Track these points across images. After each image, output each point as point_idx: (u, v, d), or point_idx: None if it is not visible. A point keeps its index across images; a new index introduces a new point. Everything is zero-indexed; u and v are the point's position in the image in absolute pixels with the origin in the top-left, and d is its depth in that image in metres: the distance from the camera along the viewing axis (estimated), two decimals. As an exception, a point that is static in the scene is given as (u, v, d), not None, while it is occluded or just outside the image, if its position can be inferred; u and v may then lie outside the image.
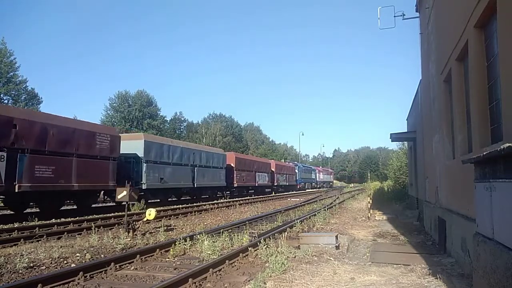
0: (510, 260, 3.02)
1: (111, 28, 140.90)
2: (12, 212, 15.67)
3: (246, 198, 29.89)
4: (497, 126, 4.74)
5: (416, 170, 16.29)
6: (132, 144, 20.10)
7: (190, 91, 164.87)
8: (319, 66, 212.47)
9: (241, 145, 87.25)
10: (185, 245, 8.29)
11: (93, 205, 18.49)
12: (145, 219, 11.37)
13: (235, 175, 32.39)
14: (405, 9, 21.50)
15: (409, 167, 22.49)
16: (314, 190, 59.08)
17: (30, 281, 5.40)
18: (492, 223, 3.58)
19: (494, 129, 4.89)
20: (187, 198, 27.28)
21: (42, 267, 6.81)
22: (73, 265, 6.93)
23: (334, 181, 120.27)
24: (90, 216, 14.58)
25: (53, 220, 13.25)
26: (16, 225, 12.14)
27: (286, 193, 41.98)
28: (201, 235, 8.82)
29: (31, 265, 6.84)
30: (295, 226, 11.57)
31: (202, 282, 5.84)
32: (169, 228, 12.25)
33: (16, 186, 13.12)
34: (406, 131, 19.50)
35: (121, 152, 18.87)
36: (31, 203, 17.13)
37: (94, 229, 10.79)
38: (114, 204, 19.47)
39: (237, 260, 7.25)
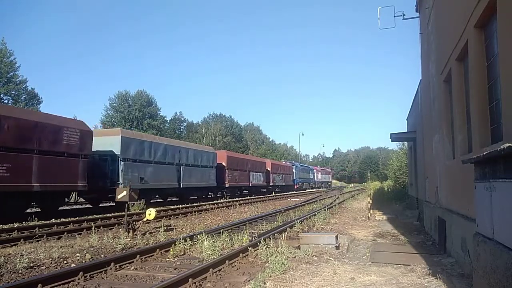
0: (510, 260, 3.02)
1: (111, 28, 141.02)
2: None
3: (246, 198, 29.84)
4: (497, 126, 4.74)
5: (416, 170, 16.29)
6: (108, 141, 18.45)
7: (190, 91, 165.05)
8: (319, 66, 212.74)
9: (241, 145, 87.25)
10: (185, 245, 8.29)
11: (61, 208, 17.14)
12: (145, 219, 11.37)
13: (226, 174, 30.77)
14: (405, 9, 21.52)
15: (409, 167, 22.49)
16: (314, 190, 58.93)
17: (30, 281, 5.40)
18: (492, 223, 3.58)
19: (494, 129, 4.89)
20: (174, 199, 25.87)
21: (42, 267, 6.81)
22: (73, 265, 6.93)
23: (334, 181, 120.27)
24: (90, 216, 14.57)
25: (53, 220, 13.25)
26: (16, 225, 12.14)
27: (286, 193, 41.96)
28: (201, 235, 8.82)
29: (31, 265, 6.84)
30: (295, 226, 11.57)
31: (202, 282, 5.84)
32: (169, 228, 12.25)
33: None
34: (406, 131, 19.50)
35: (96, 150, 17.55)
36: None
37: (94, 229, 10.79)
38: (114, 204, 19.33)
39: (237, 260, 7.25)
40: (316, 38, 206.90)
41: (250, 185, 36.43)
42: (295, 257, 7.43)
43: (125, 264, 6.99)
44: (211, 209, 19.92)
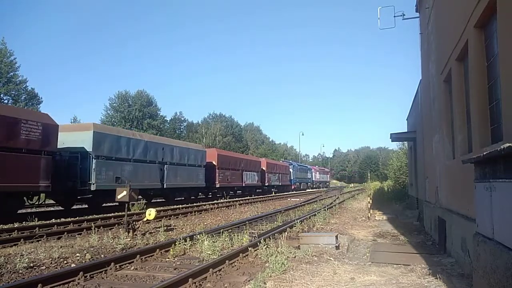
0: (510, 260, 3.02)
1: (111, 28, 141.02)
2: None
3: (246, 198, 29.79)
4: (497, 126, 4.74)
5: (416, 170, 16.29)
6: (79, 136, 16.79)
7: (190, 91, 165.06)
8: (319, 66, 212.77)
9: (241, 145, 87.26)
10: (185, 245, 8.29)
11: (21, 211, 15.81)
12: (145, 219, 11.37)
13: (217, 174, 28.96)
14: (405, 9, 21.51)
15: (409, 167, 22.49)
16: (314, 190, 58.78)
17: (30, 281, 5.40)
18: (492, 223, 3.58)
19: (494, 129, 4.89)
20: (160, 200, 24.16)
21: (42, 267, 6.81)
22: (73, 265, 6.93)
23: (334, 181, 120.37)
24: (90, 216, 14.56)
25: (53, 220, 13.24)
26: (16, 225, 12.14)
27: (286, 193, 41.96)
28: (201, 235, 8.83)
29: (31, 265, 6.84)
30: (295, 226, 11.57)
31: (202, 282, 5.85)
32: (169, 228, 12.25)
33: None
34: (406, 131, 19.50)
35: (65, 146, 16.30)
36: None
37: (94, 229, 10.79)
38: (114, 204, 19.27)
39: (237, 260, 7.25)
40: (316, 38, 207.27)
41: (244, 185, 34.77)
42: (295, 257, 7.43)
43: (125, 264, 6.99)
44: (211, 209, 19.92)
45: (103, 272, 6.38)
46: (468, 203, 5.69)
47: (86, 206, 18.35)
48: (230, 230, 10.99)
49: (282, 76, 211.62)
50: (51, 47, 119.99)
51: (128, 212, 11.44)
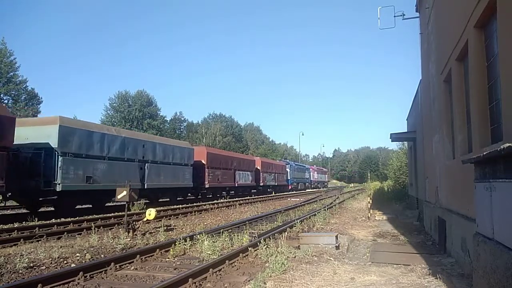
0: (510, 260, 3.02)
1: (111, 28, 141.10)
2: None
3: (246, 198, 29.76)
4: (497, 126, 4.74)
5: (416, 170, 16.29)
6: (43, 131, 15.15)
7: (190, 91, 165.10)
8: (319, 66, 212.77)
9: (241, 145, 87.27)
10: (185, 245, 8.29)
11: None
12: (145, 219, 11.38)
13: (206, 173, 27.07)
14: (405, 9, 21.52)
15: (409, 167, 22.49)
16: (314, 190, 58.59)
17: (30, 281, 5.40)
18: (492, 223, 3.58)
19: (494, 129, 4.89)
20: (144, 201, 21.80)
21: (42, 267, 6.81)
22: (73, 265, 6.94)
23: (334, 181, 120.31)
24: (90, 216, 14.56)
25: (53, 220, 13.25)
26: (16, 225, 12.15)
27: (286, 193, 41.96)
28: (201, 235, 8.83)
29: (31, 265, 6.84)
30: (295, 226, 11.57)
31: (202, 282, 5.85)
32: (169, 228, 12.25)
33: None
34: (406, 131, 19.50)
35: (29, 141, 14.80)
36: None
37: (94, 229, 10.79)
38: (114, 204, 19.28)
39: (237, 260, 7.25)
40: (316, 38, 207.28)
41: (236, 185, 32.90)
42: (295, 257, 7.43)
43: (125, 264, 6.99)
44: (211, 209, 19.93)
45: (103, 272, 6.38)
46: (468, 203, 5.69)
47: (53, 209, 16.62)
48: (230, 230, 10.99)
49: (282, 76, 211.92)
50: (51, 47, 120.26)
51: (128, 212, 11.44)
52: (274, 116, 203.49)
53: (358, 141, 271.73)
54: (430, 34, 10.00)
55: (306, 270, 6.33)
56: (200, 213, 18.07)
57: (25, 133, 14.78)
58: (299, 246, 8.34)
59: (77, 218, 13.91)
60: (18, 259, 7.03)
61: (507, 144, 2.97)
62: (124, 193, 10.75)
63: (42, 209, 16.29)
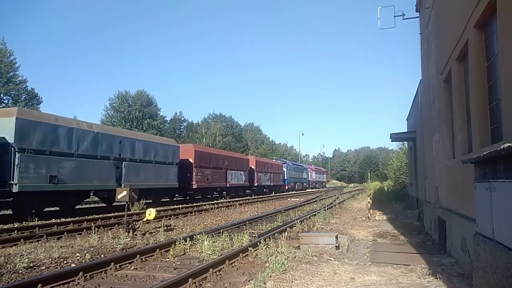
0: (510, 260, 3.02)
1: (111, 28, 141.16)
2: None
3: (246, 198, 29.75)
4: (497, 126, 4.74)
5: (416, 170, 16.29)
6: None
7: (190, 91, 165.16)
8: (319, 66, 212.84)
9: (241, 145, 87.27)
10: (185, 245, 8.29)
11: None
12: (145, 219, 11.38)
13: (194, 173, 25.42)
14: (405, 9, 21.50)
15: (409, 167, 22.49)
16: (314, 190, 58.43)
17: (30, 281, 5.40)
18: (492, 223, 3.58)
19: (494, 129, 4.89)
20: (123, 203, 20.82)
21: (42, 267, 6.81)
22: (73, 265, 6.94)
23: (334, 181, 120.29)
24: (90, 216, 14.57)
25: (53, 220, 13.25)
26: (16, 225, 12.15)
27: (286, 193, 41.96)
28: (201, 235, 8.83)
29: (31, 265, 6.85)
30: (295, 226, 11.57)
31: (202, 282, 5.85)
32: (169, 228, 12.25)
33: None
34: (406, 131, 19.50)
35: None
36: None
37: (94, 229, 10.79)
38: (115, 204, 19.21)
39: (237, 260, 7.25)
40: (316, 38, 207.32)
41: (228, 185, 31.23)
42: (295, 257, 7.43)
43: (125, 264, 6.99)
44: (211, 209, 19.92)
45: (103, 272, 6.38)
46: (468, 203, 5.69)
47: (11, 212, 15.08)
48: (230, 230, 10.99)
49: (282, 76, 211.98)
50: (51, 47, 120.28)
51: (128, 212, 11.44)
52: (274, 116, 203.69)
53: (358, 141, 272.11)
54: (430, 34, 10.00)
55: (306, 270, 6.33)
56: (200, 213, 18.08)
57: None
58: (299, 246, 8.34)
59: (77, 218, 13.92)
60: (18, 259, 7.03)
61: (507, 144, 2.97)
62: (124, 193, 10.76)
63: (46, 209, 15.86)
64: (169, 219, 15.23)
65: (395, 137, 18.93)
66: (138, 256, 7.36)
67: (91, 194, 18.40)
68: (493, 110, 4.93)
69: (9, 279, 6.06)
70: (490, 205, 3.63)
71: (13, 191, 13.21)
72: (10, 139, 13.34)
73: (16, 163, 13.38)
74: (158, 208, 15.66)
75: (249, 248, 7.93)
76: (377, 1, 13.15)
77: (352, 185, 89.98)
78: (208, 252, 7.75)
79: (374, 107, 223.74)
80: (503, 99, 4.06)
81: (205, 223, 13.87)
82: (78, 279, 5.87)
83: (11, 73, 48.80)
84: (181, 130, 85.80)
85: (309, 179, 64.58)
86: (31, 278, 5.79)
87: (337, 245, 8.30)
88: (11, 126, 13.39)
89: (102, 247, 8.69)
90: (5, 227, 11.50)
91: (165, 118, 78.38)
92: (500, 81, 4.18)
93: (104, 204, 20.01)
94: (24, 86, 50.40)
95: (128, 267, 6.92)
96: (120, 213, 15.47)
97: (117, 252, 8.27)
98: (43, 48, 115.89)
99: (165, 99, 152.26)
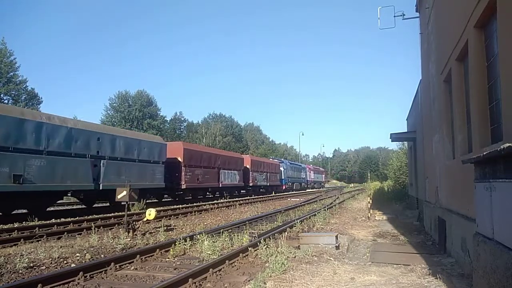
0: (510, 260, 3.02)
1: (111, 28, 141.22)
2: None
3: (246, 198, 29.74)
4: (497, 126, 4.74)
5: (416, 170, 16.29)
6: None
7: (190, 91, 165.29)
8: (319, 66, 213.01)
9: (241, 145, 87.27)
10: (185, 245, 8.29)
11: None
12: (145, 219, 11.38)
13: (183, 172, 23.97)
14: (405, 9, 21.50)
15: (409, 167, 22.49)
16: (314, 190, 58.34)
17: (30, 281, 5.40)
18: (492, 223, 3.58)
19: (494, 129, 4.89)
20: (103, 205, 19.90)
21: (42, 267, 6.81)
22: (73, 265, 6.93)
23: (334, 181, 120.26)
24: (90, 216, 14.56)
25: (53, 220, 13.25)
26: (16, 225, 12.14)
27: (286, 193, 41.96)
28: (201, 235, 8.83)
29: (31, 265, 6.84)
30: (295, 226, 11.57)
31: (202, 282, 5.84)
32: (169, 228, 12.25)
33: None
34: (406, 131, 19.50)
35: None
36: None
37: (94, 229, 10.79)
38: (114, 204, 19.16)
39: (237, 260, 7.25)
40: (316, 38, 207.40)
41: (221, 185, 29.82)
42: (295, 257, 7.43)
43: (125, 264, 6.99)
44: (211, 209, 19.93)
45: (103, 272, 6.38)
46: (468, 203, 5.69)
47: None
48: (230, 230, 10.99)
49: (282, 76, 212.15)
50: (51, 47, 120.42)
51: (128, 212, 11.44)
52: (274, 116, 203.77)
53: (358, 141, 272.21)
54: (430, 34, 10.00)
55: (306, 270, 6.33)
56: (200, 213, 18.08)
57: None
58: (299, 246, 8.34)
59: (77, 218, 13.92)
60: (18, 259, 7.03)
61: (507, 144, 2.97)
62: (124, 193, 10.76)
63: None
64: (169, 219, 15.23)
65: (395, 137, 18.93)
66: (138, 256, 7.36)
67: (69, 194, 17.54)
68: (493, 110, 4.93)
69: (9, 279, 6.06)
70: (490, 205, 3.63)
71: None
72: None
73: None
74: (158, 208, 15.67)
75: (249, 248, 7.93)
76: (377, 1, 13.16)
77: (352, 185, 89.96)
78: (208, 252, 7.75)
79: (374, 107, 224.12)
80: (503, 99, 4.06)
81: (205, 223, 13.87)
82: (78, 279, 5.87)
83: (11, 73, 48.85)
84: (181, 130, 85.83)
85: (308, 179, 63.63)
86: (31, 278, 5.79)
87: (337, 245, 8.30)
88: None
89: (102, 247, 8.69)
90: (5, 227, 11.50)
91: (165, 118, 78.53)
92: (500, 81, 4.18)
93: (83, 206, 19.24)
94: (24, 86, 50.49)
95: (128, 267, 6.92)
96: (120, 213, 15.46)
97: (117, 252, 8.27)
98: (43, 48, 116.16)
99: (165, 99, 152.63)
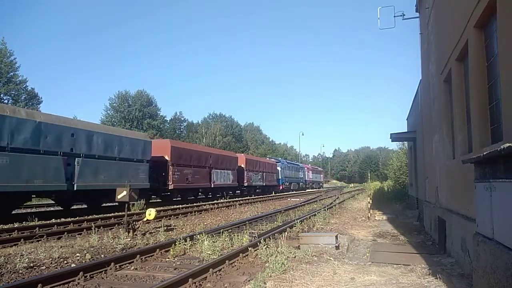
0: (510, 260, 3.02)
1: (111, 28, 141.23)
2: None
3: (246, 198, 29.71)
4: (497, 126, 4.74)
5: (416, 170, 16.29)
6: None
7: (190, 91, 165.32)
8: (319, 66, 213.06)
9: (241, 145, 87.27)
10: (185, 245, 8.29)
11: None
12: (145, 219, 11.37)
13: (170, 172, 22.57)
14: (405, 9, 21.50)
15: (409, 167, 22.49)
16: (314, 190, 58.24)
17: (30, 281, 5.40)
18: (492, 223, 3.58)
19: (494, 129, 4.89)
20: (82, 206, 18.92)
21: (42, 267, 6.81)
22: (73, 265, 6.93)
23: (334, 181, 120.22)
24: (90, 216, 14.56)
25: (53, 220, 13.24)
26: (16, 225, 12.14)
27: (286, 193, 41.96)
28: (201, 235, 8.82)
29: (31, 265, 6.84)
30: (295, 226, 11.57)
31: (202, 282, 5.85)
32: (169, 228, 12.25)
33: None
34: (406, 131, 19.50)
35: None
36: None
37: (94, 229, 10.79)
38: (114, 204, 19.14)
39: (237, 260, 7.25)
40: (316, 38, 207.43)
41: (212, 186, 28.26)
42: (295, 257, 7.43)
43: (125, 264, 6.99)
44: (211, 209, 19.93)
45: (103, 272, 6.38)
46: (468, 203, 5.69)
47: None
48: (230, 230, 10.99)
49: (282, 76, 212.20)
50: (51, 47, 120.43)
51: (128, 212, 11.44)
52: (274, 116, 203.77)
53: (358, 141, 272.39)
54: (430, 34, 10.00)
55: (306, 270, 6.33)
56: (200, 213, 18.08)
57: None
58: (299, 246, 8.34)
59: (77, 218, 13.92)
60: (18, 259, 7.03)
61: (507, 144, 2.97)
62: (124, 193, 10.76)
63: (45, 209, 15.40)
64: (169, 219, 15.23)
65: (395, 137, 18.94)
66: (138, 256, 7.36)
67: (34, 196, 16.01)
68: (493, 110, 4.93)
69: (9, 279, 6.06)
70: (490, 205, 3.63)
71: None
72: None
73: None
74: (158, 208, 15.67)
75: (249, 248, 7.93)
76: (377, 1, 13.19)
77: (352, 185, 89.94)
78: (208, 252, 7.75)
79: (374, 107, 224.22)
80: (503, 99, 4.06)
81: (205, 223, 13.87)
82: (78, 279, 5.87)
83: (11, 73, 48.80)
84: (181, 130, 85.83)
85: (306, 178, 62.16)
86: (31, 278, 5.79)
87: (337, 245, 8.30)
88: None
89: (102, 247, 8.69)
90: (5, 227, 11.50)
91: (165, 118, 78.51)
92: (500, 81, 4.18)
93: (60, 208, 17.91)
94: (24, 86, 50.43)
95: (128, 267, 6.92)
96: (120, 213, 15.46)
97: (117, 252, 8.27)
98: (43, 48, 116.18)
99: (165, 99, 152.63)
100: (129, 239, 9.62)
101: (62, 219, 13.64)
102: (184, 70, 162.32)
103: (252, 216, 15.80)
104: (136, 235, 10.35)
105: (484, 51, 5.19)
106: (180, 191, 24.45)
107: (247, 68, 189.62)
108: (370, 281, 5.67)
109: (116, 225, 12.84)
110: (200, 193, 28.39)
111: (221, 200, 24.97)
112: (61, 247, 8.56)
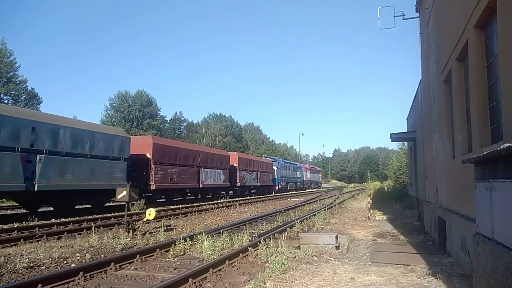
0: (510, 260, 3.02)
1: (111, 28, 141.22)
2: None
3: (246, 198, 29.70)
4: (497, 126, 4.74)
5: (416, 170, 16.29)
6: None
7: (190, 91, 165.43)
8: (319, 66, 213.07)
9: (241, 145, 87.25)
10: (185, 245, 8.29)
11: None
12: (145, 219, 11.38)
13: (152, 171, 20.82)
14: (405, 9, 21.52)
15: (409, 167, 22.49)
16: (314, 190, 58.16)
17: (30, 281, 5.40)
18: (492, 223, 3.58)
19: (494, 129, 4.89)
20: (48, 209, 17.37)
21: (42, 267, 6.81)
22: (73, 265, 6.93)
23: (334, 181, 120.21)
24: (90, 216, 14.56)
25: (53, 220, 13.25)
26: (16, 225, 12.15)
27: (286, 193, 41.96)
28: (201, 235, 8.83)
29: (31, 265, 6.84)
30: (295, 226, 11.57)
31: (202, 282, 5.85)
32: (169, 228, 12.25)
33: None
34: (406, 131, 19.51)
35: None
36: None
37: (94, 229, 10.79)
38: (114, 204, 19.19)
39: (237, 260, 7.25)
40: (316, 38, 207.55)
41: (201, 186, 26.41)
42: (295, 257, 7.43)
43: (125, 264, 6.99)
44: (211, 209, 19.93)
45: (103, 272, 6.38)
46: (468, 203, 5.69)
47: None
48: (230, 230, 10.99)
49: (282, 76, 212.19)
50: (51, 47, 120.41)
51: (128, 212, 11.44)
52: (274, 116, 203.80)
53: (358, 141, 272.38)
54: (430, 34, 10.00)
55: (306, 270, 6.33)
56: (200, 213, 18.08)
57: None
58: (299, 246, 8.34)
59: (77, 218, 13.91)
60: (18, 259, 7.03)
61: (507, 144, 2.97)
62: (124, 193, 10.75)
63: (45, 209, 14.75)
64: (169, 219, 15.23)
65: (395, 137, 18.94)
66: (138, 256, 7.36)
67: None
68: (493, 110, 4.93)
69: (9, 279, 6.06)
70: (490, 205, 3.63)
71: None
72: None
73: None
74: (158, 208, 15.66)
75: (249, 248, 7.93)
76: (377, 1, 13.21)
77: (352, 185, 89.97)
78: (208, 252, 7.75)
79: (374, 107, 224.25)
80: (503, 99, 4.06)
81: (205, 223, 13.87)
82: (78, 279, 5.87)
83: (11, 73, 48.78)
84: (181, 130, 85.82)
85: (304, 178, 60.61)
86: (31, 278, 5.79)
87: (337, 245, 8.30)
88: None
89: (102, 247, 8.69)
90: (5, 227, 11.50)
91: (165, 118, 78.48)
92: (500, 81, 4.18)
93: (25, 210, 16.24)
94: (24, 86, 50.42)
95: (128, 267, 6.92)
96: (120, 213, 15.46)
97: (117, 252, 8.27)
98: (43, 48, 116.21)
99: (165, 99, 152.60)
100: (129, 239, 9.62)
101: (62, 219, 13.64)
102: (184, 70, 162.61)
103: (252, 216, 15.80)
104: (136, 235, 10.35)
105: (484, 51, 5.19)
106: (163, 191, 22.80)
107: (247, 68, 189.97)
108: (370, 281, 5.67)
109: (116, 225, 12.84)
110: (188, 194, 27.04)
111: (221, 200, 24.97)
112: (61, 247, 8.56)
